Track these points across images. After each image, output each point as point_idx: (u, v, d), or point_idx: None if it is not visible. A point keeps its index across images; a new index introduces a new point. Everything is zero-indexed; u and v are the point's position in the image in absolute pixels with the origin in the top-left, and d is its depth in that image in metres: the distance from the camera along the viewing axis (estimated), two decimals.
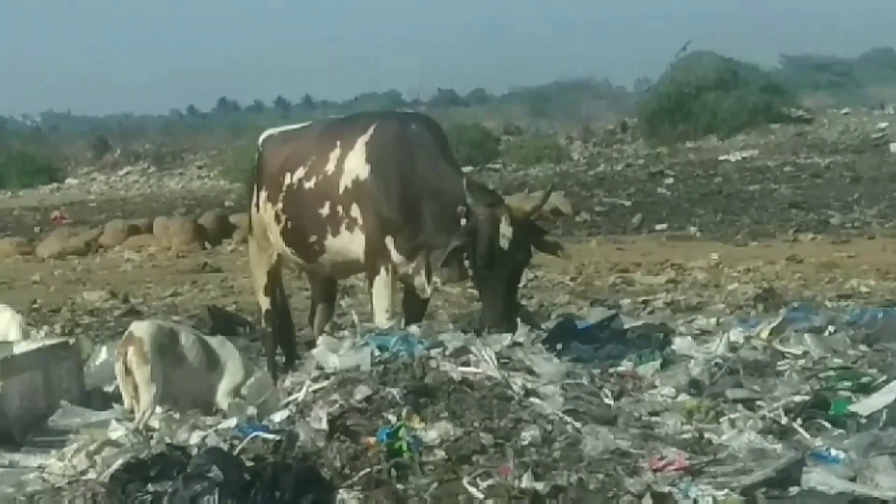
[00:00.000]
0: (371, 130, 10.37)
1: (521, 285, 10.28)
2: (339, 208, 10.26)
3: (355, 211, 10.16)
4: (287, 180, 10.76)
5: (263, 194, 11.09)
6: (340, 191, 10.28)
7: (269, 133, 11.71)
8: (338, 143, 10.45)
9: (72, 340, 11.20)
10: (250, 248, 11.93)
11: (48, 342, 10.79)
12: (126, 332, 9.50)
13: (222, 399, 9.29)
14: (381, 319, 9.68)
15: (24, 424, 9.53)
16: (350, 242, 10.16)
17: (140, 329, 9.37)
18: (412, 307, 10.38)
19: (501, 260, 9.33)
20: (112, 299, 18.16)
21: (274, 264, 11.39)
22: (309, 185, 10.55)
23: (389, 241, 9.89)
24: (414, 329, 8.56)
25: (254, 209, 11.38)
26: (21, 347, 10.48)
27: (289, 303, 12.16)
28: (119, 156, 60.74)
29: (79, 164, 60.23)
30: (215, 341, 9.79)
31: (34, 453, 8.64)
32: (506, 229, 9.31)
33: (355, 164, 10.26)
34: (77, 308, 17.51)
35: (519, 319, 9.83)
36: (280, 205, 10.83)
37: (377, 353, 7.96)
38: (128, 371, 9.19)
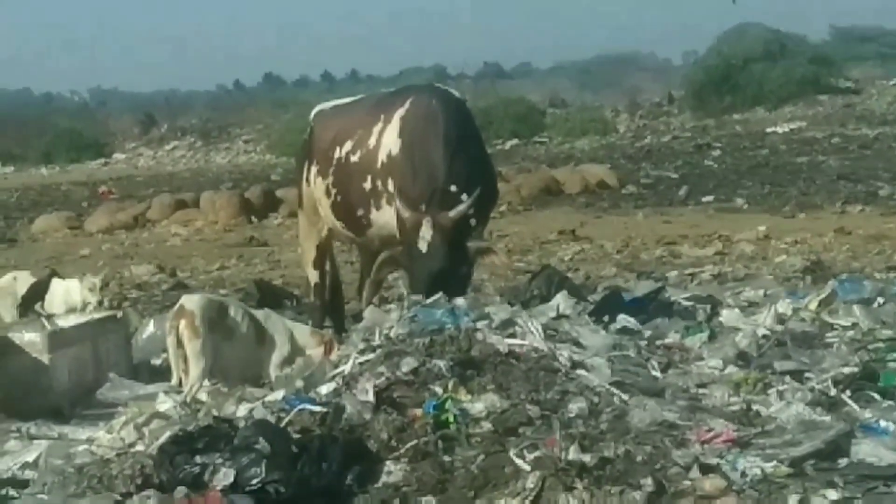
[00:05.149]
0: (407, 104, 10.35)
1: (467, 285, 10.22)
2: (379, 182, 10.26)
3: (391, 185, 10.14)
4: (336, 154, 10.75)
5: (314, 169, 11.08)
6: (378, 165, 10.28)
7: (321, 108, 11.71)
8: (381, 116, 10.45)
9: (120, 314, 11.27)
10: (300, 222, 11.93)
11: (96, 315, 10.86)
12: (177, 305, 9.54)
13: (271, 372, 9.32)
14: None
15: (72, 397, 9.59)
16: (392, 217, 10.12)
17: (192, 302, 9.41)
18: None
19: (423, 262, 9.45)
20: (159, 273, 18.23)
21: (324, 238, 11.41)
22: (355, 158, 10.55)
23: None
24: (460, 301, 8.54)
25: (304, 183, 11.37)
26: (69, 321, 10.55)
27: (340, 276, 12.17)
28: (166, 131, 61.13)
29: (126, 139, 60.63)
30: (262, 314, 9.82)
31: (83, 426, 8.69)
32: (426, 232, 9.45)
33: (389, 139, 10.26)
34: (125, 282, 17.57)
35: (565, 292, 9.86)
36: (330, 179, 10.82)
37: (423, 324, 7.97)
38: (179, 343, 9.23)
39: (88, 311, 11.50)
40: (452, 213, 9.57)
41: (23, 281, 12.93)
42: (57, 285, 12.71)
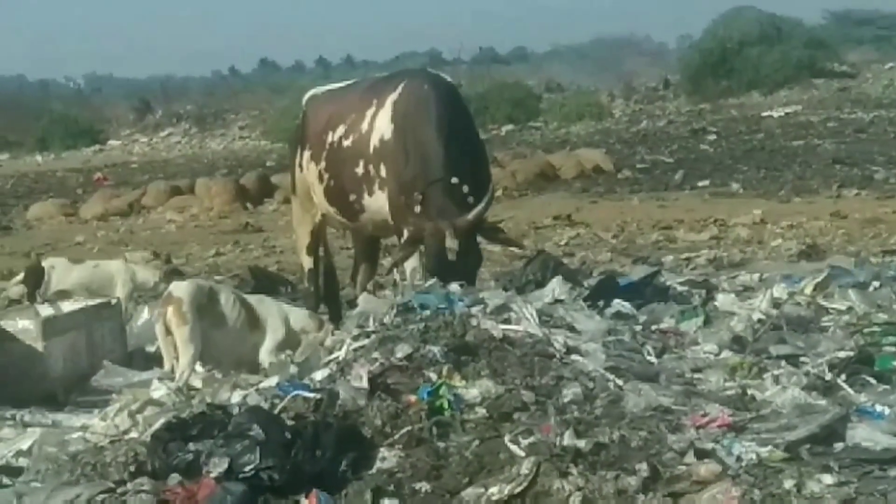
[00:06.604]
0: (400, 89, 10.29)
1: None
2: (371, 167, 10.20)
3: (383, 170, 10.08)
4: (329, 139, 10.70)
5: (307, 154, 11.04)
6: (371, 150, 10.21)
7: (313, 92, 11.65)
8: (374, 101, 10.39)
9: (114, 301, 11.26)
10: (293, 207, 11.90)
11: (91, 303, 10.84)
12: (165, 292, 9.53)
13: (266, 357, 9.28)
14: (412, 279, 9.65)
15: (67, 385, 9.60)
16: (385, 202, 10.07)
17: (179, 289, 9.38)
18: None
19: (450, 269, 9.33)
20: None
21: (317, 224, 11.36)
22: (347, 143, 10.50)
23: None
24: (455, 287, 8.52)
25: (297, 169, 11.33)
26: (64, 308, 10.55)
27: (334, 262, 12.14)
28: (161, 117, 61.06)
29: (121, 125, 60.55)
30: (255, 299, 9.79)
31: (77, 413, 8.69)
32: (451, 243, 9.40)
33: (382, 123, 10.19)
34: None
35: (560, 277, 9.85)
36: (323, 164, 10.77)
37: (418, 310, 7.95)
38: (168, 331, 9.21)
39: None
40: (471, 217, 9.47)
41: (60, 268, 13.15)
42: (119, 267, 13.02)
